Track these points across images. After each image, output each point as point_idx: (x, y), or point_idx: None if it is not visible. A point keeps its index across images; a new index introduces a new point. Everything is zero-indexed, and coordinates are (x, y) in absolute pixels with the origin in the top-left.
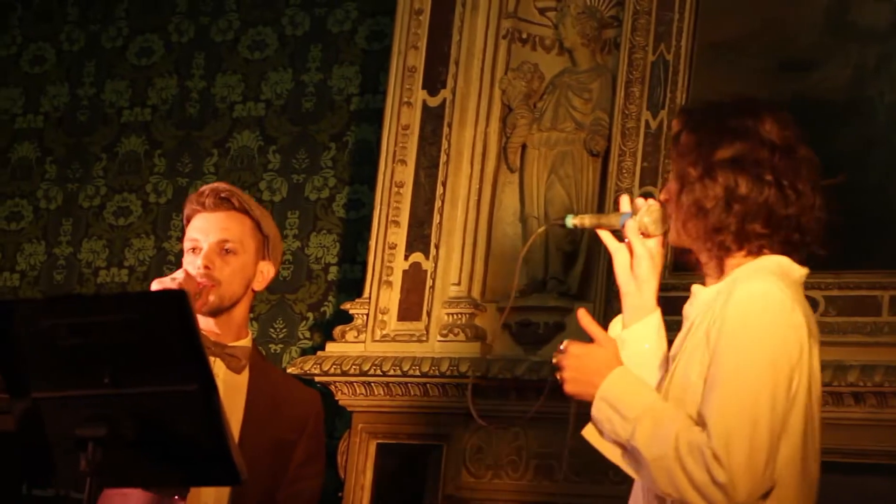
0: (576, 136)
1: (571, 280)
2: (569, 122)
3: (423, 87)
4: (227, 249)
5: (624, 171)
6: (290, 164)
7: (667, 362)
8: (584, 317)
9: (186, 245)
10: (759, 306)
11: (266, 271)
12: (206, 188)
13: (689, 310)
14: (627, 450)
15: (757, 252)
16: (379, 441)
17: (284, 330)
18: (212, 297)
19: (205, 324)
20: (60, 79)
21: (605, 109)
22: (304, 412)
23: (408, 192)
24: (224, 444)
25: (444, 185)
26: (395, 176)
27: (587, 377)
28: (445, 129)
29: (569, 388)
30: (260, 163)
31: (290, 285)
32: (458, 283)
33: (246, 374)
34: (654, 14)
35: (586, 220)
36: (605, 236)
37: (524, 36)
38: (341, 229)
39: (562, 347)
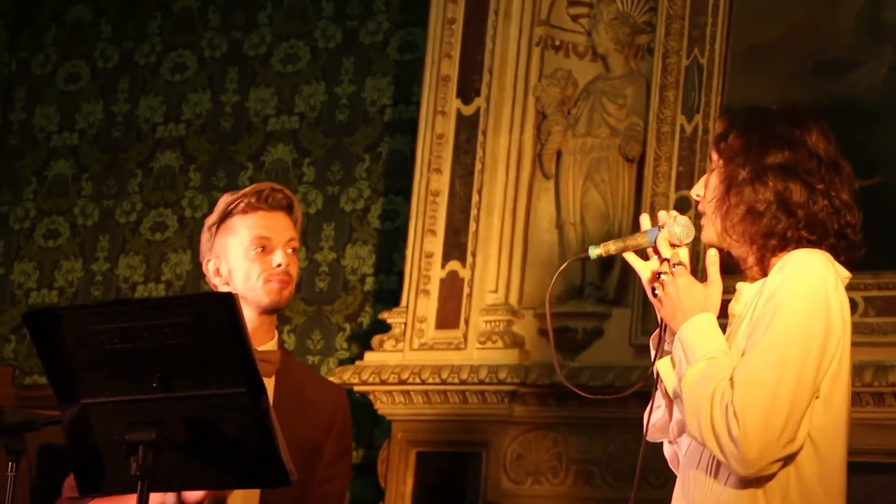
0: (611, 142)
1: (608, 286)
2: (603, 128)
3: (458, 96)
4: (293, 249)
5: (660, 175)
6: (324, 176)
7: None
8: (711, 255)
9: (250, 245)
10: (805, 277)
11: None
12: (263, 188)
13: (734, 307)
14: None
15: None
16: (419, 449)
17: (322, 341)
18: (286, 293)
19: None
20: (95, 96)
21: (639, 114)
22: (332, 410)
23: (443, 200)
24: (274, 446)
25: (479, 193)
26: (431, 185)
27: (678, 312)
28: (480, 138)
29: (663, 312)
30: (294, 175)
31: (326, 296)
32: (496, 291)
33: (273, 377)
34: (687, 18)
35: (611, 247)
36: (631, 258)
37: (557, 43)
38: (377, 240)
39: (672, 269)
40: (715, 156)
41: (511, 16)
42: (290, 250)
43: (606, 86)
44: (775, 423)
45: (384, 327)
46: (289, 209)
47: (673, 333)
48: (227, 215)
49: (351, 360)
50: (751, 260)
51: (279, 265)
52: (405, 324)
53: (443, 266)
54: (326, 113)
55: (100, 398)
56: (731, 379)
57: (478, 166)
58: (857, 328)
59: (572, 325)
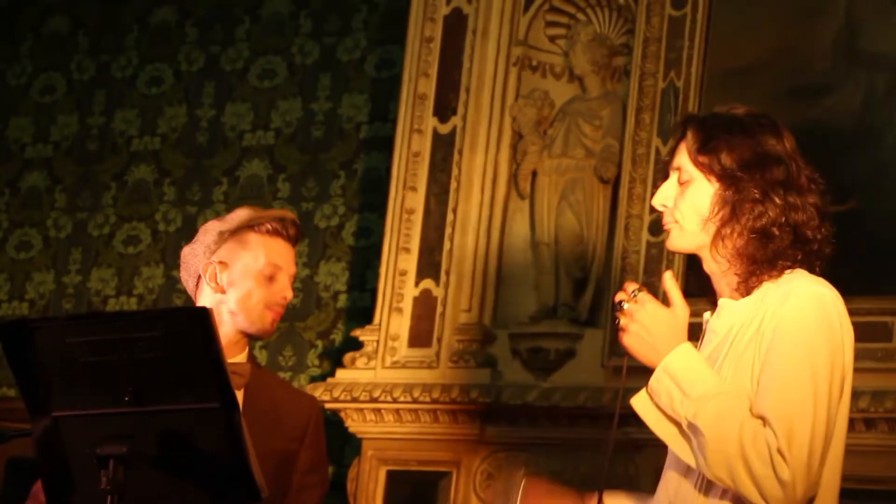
0: (586, 163)
1: (582, 306)
2: (579, 149)
3: (434, 114)
4: (293, 279)
5: (634, 197)
6: (299, 193)
7: None
8: (668, 279)
9: (263, 268)
10: (819, 306)
11: None
12: (286, 217)
13: (716, 323)
14: (683, 427)
15: (782, 270)
16: (389, 468)
17: (293, 357)
18: (275, 324)
19: None
20: (70, 108)
21: (615, 136)
22: (303, 419)
23: (418, 218)
24: (245, 461)
25: (454, 211)
26: (406, 202)
27: (654, 341)
28: (456, 156)
29: (628, 340)
30: (269, 191)
31: (299, 313)
32: (469, 310)
33: (242, 389)
34: (664, 41)
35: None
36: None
37: (534, 63)
38: (350, 257)
39: (632, 292)
40: (679, 162)
41: (489, 35)
42: (291, 279)
43: (583, 107)
44: (815, 462)
45: (356, 345)
46: (297, 243)
47: (649, 364)
48: (246, 228)
49: (322, 378)
50: (735, 280)
51: (283, 297)
52: (377, 341)
53: (416, 284)
54: (302, 129)
55: (71, 411)
56: (761, 417)
57: (453, 185)
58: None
59: (545, 345)
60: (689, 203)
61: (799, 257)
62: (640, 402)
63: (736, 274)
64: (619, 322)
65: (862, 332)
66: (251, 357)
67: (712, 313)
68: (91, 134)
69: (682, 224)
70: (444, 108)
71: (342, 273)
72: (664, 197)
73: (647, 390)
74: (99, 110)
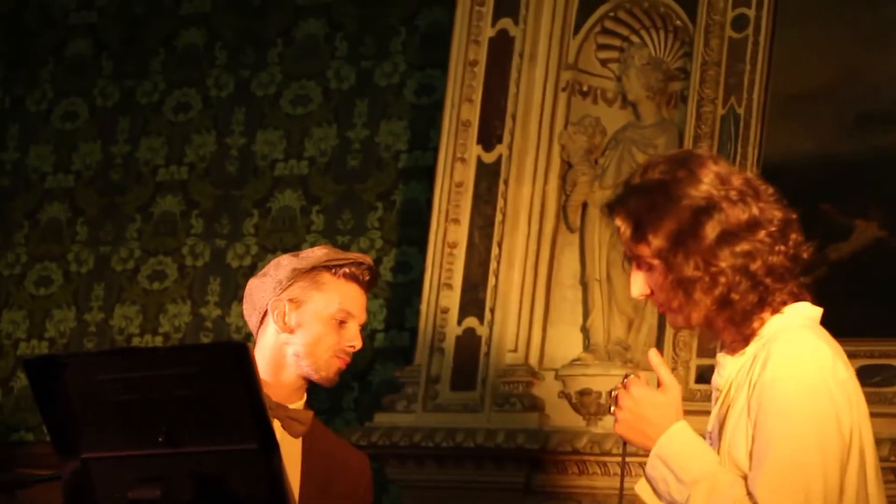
0: None
1: (636, 346)
2: None
3: (478, 142)
4: (362, 327)
5: None
6: (334, 225)
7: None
8: (654, 357)
9: (336, 313)
10: (798, 369)
11: None
12: (365, 261)
13: (717, 380)
14: None
15: (779, 307)
16: None
17: (328, 401)
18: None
19: (266, 386)
20: (93, 136)
21: None
22: (356, 479)
23: (461, 252)
24: None
25: (499, 245)
26: (448, 236)
27: (643, 426)
28: (501, 187)
29: (620, 428)
30: (302, 224)
31: None
32: (515, 350)
33: (300, 439)
34: (724, 65)
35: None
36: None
37: (585, 88)
38: (388, 293)
39: (623, 382)
40: (639, 253)
41: (537, 59)
42: (361, 327)
43: (637, 134)
44: None
45: (395, 387)
46: (370, 290)
47: (643, 449)
48: (322, 268)
49: (359, 422)
50: (729, 337)
51: (352, 345)
52: (418, 383)
53: (459, 322)
54: (338, 158)
55: (102, 452)
56: (750, 496)
57: (498, 217)
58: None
59: (596, 387)
60: (658, 289)
61: (777, 284)
62: (642, 489)
63: (723, 338)
64: (612, 412)
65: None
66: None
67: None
68: (115, 163)
69: (666, 305)
70: (489, 136)
71: (379, 311)
72: (638, 287)
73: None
74: (123, 138)
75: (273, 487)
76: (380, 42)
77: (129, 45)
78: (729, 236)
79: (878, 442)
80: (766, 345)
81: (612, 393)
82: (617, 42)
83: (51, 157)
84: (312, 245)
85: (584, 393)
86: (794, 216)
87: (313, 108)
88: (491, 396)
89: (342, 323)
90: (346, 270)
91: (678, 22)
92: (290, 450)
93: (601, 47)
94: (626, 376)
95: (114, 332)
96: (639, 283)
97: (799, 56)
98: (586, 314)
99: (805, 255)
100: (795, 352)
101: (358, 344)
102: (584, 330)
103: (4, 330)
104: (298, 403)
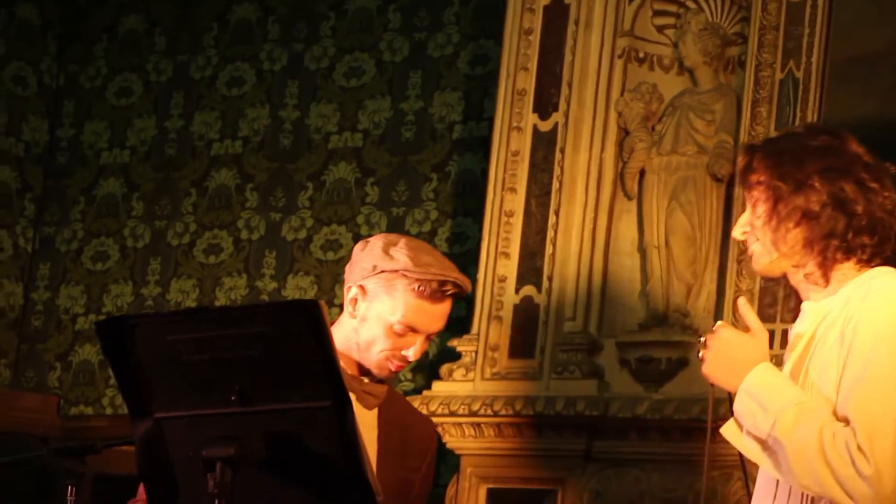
0: (698, 160)
1: (695, 313)
2: (690, 146)
3: (534, 111)
4: (433, 335)
5: None
6: (389, 197)
7: None
8: (743, 304)
9: (398, 323)
10: None
11: None
12: (448, 279)
13: (799, 326)
14: (768, 444)
15: (867, 263)
16: (490, 486)
17: None
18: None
19: (342, 357)
20: (147, 111)
21: (729, 131)
22: (425, 448)
23: (518, 221)
24: (359, 464)
25: (556, 213)
26: (505, 205)
27: (731, 365)
28: (558, 155)
29: (708, 368)
30: (357, 196)
31: None
32: (573, 318)
33: (375, 410)
34: (782, 29)
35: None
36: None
37: (641, 55)
38: None
39: (714, 328)
40: (747, 192)
41: (592, 26)
42: (429, 337)
43: (694, 100)
44: None
45: (453, 356)
46: (456, 298)
47: (730, 389)
48: (400, 275)
49: (417, 391)
50: (811, 266)
51: (406, 358)
52: (476, 352)
53: (517, 291)
54: (392, 130)
55: (175, 412)
56: (842, 419)
57: (555, 185)
58: None
59: (656, 354)
60: (758, 221)
61: (871, 241)
62: (729, 431)
63: (807, 275)
64: (701, 356)
65: None
66: None
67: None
68: (169, 138)
69: (756, 243)
70: (545, 105)
71: None
72: (740, 228)
73: (733, 417)
74: (177, 113)
75: (347, 444)
76: (433, 13)
77: (182, 21)
78: (834, 172)
79: None
80: (866, 282)
81: (702, 338)
82: (673, 8)
83: (106, 133)
84: (367, 217)
85: (643, 360)
86: None
87: (367, 81)
88: (550, 364)
89: (402, 334)
90: (422, 288)
91: None
92: (366, 421)
93: (657, 13)
94: (716, 323)
95: (170, 305)
96: (741, 224)
97: (858, 18)
98: (645, 281)
99: None
100: (895, 288)
101: (412, 358)
102: (643, 297)
103: (62, 305)
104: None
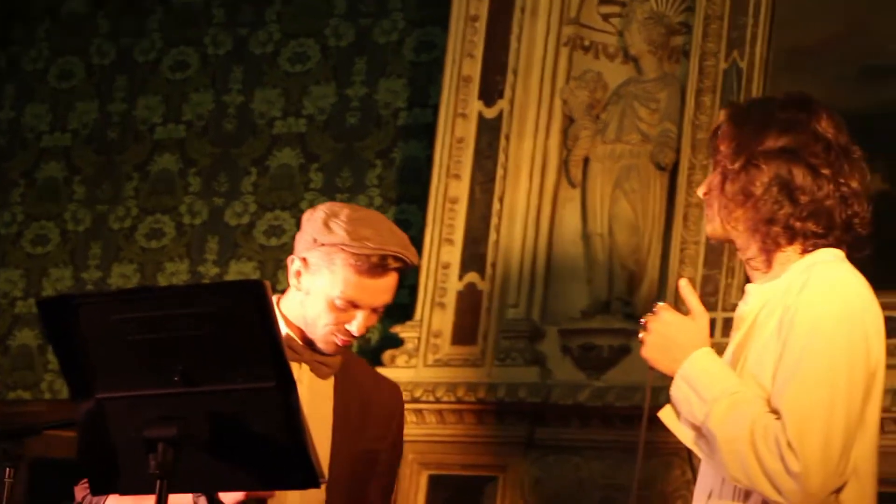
0: (642, 149)
1: (637, 301)
2: (635, 134)
3: (479, 98)
4: (380, 308)
5: (694, 185)
6: (333, 183)
7: None
8: (684, 286)
9: (339, 298)
10: (838, 295)
11: None
12: (388, 253)
13: (743, 309)
14: (702, 432)
15: (812, 248)
16: (431, 472)
17: None
18: (342, 348)
19: (293, 329)
20: (90, 94)
21: (673, 120)
22: (389, 416)
23: (462, 208)
24: (302, 445)
25: (500, 200)
26: (449, 191)
27: (671, 349)
28: (503, 142)
29: (647, 352)
30: (301, 181)
31: None
32: (517, 305)
33: (332, 378)
34: (726, 19)
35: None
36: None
37: (587, 43)
38: None
39: (655, 309)
40: (713, 153)
41: (538, 14)
42: (375, 311)
43: (638, 89)
44: (834, 453)
45: (396, 342)
46: (401, 271)
47: (669, 373)
48: (339, 250)
49: None
50: (753, 250)
51: (351, 333)
52: (419, 339)
53: (460, 278)
54: (336, 116)
55: (117, 392)
56: (775, 411)
57: (500, 172)
58: None
59: (598, 341)
60: (712, 187)
61: (816, 228)
62: (666, 415)
63: (749, 259)
64: (641, 338)
65: None
66: None
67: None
68: (112, 122)
69: (715, 206)
70: (491, 92)
71: None
72: (703, 185)
73: (670, 401)
74: (120, 97)
75: (290, 425)
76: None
77: (126, 4)
78: (789, 154)
79: (885, 392)
80: (806, 270)
81: (642, 320)
82: None
83: (47, 115)
84: (311, 203)
85: (586, 348)
86: (867, 198)
87: (311, 66)
88: (492, 351)
89: (345, 309)
90: (360, 264)
91: None
92: (321, 391)
93: (603, 2)
94: (657, 304)
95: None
96: (705, 183)
97: (802, 9)
98: (588, 269)
99: (858, 230)
100: (836, 277)
101: (356, 332)
102: (586, 285)
103: (1, 289)
104: None
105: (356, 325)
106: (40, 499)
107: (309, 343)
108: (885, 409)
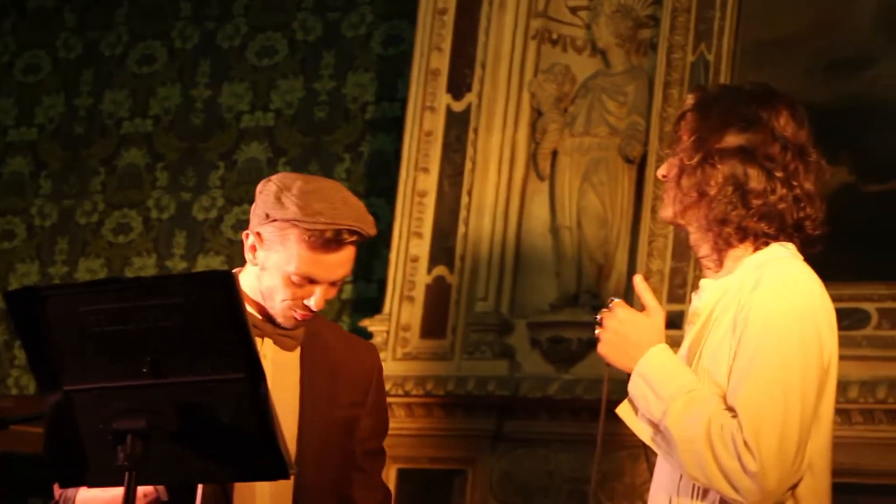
0: (610, 142)
1: (605, 293)
2: (603, 127)
3: (448, 91)
4: (339, 281)
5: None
6: None
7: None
8: (639, 282)
9: (294, 274)
10: (790, 292)
11: None
12: (343, 227)
13: (696, 304)
14: (659, 430)
15: (763, 246)
16: (399, 466)
17: None
18: (303, 322)
19: (251, 304)
20: (56, 88)
21: (641, 113)
22: (365, 379)
23: (431, 201)
24: (272, 436)
25: (469, 194)
26: (417, 185)
27: (626, 346)
28: (471, 135)
29: (604, 349)
30: (269, 175)
31: None
32: (485, 299)
33: (298, 350)
34: (694, 12)
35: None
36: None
37: (555, 36)
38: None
39: (610, 305)
40: (677, 129)
41: (506, 7)
42: (334, 284)
43: (606, 82)
44: (790, 451)
45: (364, 335)
46: (358, 243)
47: (625, 370)
48: (291, 225)
49: None
50: (705, 248)
51: (309, 307)
52: (388, 332)
53: (429, 271)
54: (304, 110)
55: (85, 385)
56: (731, 409)
57: (468, 166)
58: (869, 342)
59: (566, 334)
60: (669, 168)
61: (768, 230)
62: (623, 410)
63: (702, 257)
64: (597, 335)
65: None
66: None
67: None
68: (78, 116)
69: (671, 194)
70: (459, 85)
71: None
72: (663, 166)
73: (628, 397)
74: (87, 91)
75: (259, 415)
76: None
77: None
78: (745, 154)
79: (848, 384)
80: (758, 268)
81: (598, 316)
82: None
83: (13, 110)
84: None
85: (554, 341)
86: (821, 198)
87: (279, 60)
88: (461, 344)
89: (300, 285)
90: (313, 239)
91: None
92: (287, 362)
93: None
94: (612, 300)
95: None
96: (665, 165)
97: (769, 2)
98: (556, 262)
99: (809, 231)
100: (788, 275)
101: (315, 307)
102: (555, 278)
103: None
104: None
105: (314, 300)
106: (8, 493)
107: (269, 318)
108: (852, 400)
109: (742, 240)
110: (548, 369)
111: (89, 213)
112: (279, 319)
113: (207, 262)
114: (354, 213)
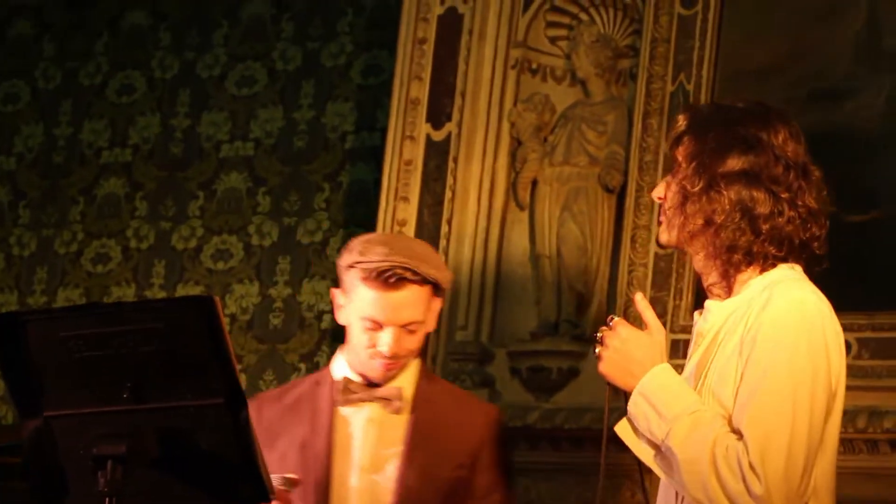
0: (590, 171)
1: (586, 323)
2: (582, 157)
3: (427, 121)
4: (410, 327)
5: (641, 207)
6: (280, 207)
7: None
8: (640, 300)
9: (362, 319)
10: (799, 313)
11: (437, 308)
12: (386, 266)
13: (702, 326)
14: (661, 450)
15: (771, 267)
16: None
17: (274, 382)
18: (391, 373)
19: (353, 370)
20: (35, 118)
21: (620, 143)
22: (475, 441)
23: (410, 230)
24: (252, 461)
25: (449, 223)
26: (397, 214)
27: (628, 365)
28: (451, 165)
29: (604, 367)
30: (249, 205)
31: (280, 335)
32: (465, 327)
33: (406, 413)
34: (673, 42)
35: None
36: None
37: (534, 66)
38: (335, 274)
39: (610, 323)
40: (674, 153)
41: (486, 37)
42: (404, 327)
43: (586, 112)
44: (795, 474)
45: None
46: (418, 283)
47: (627, 389)
48: (354, 266)
49: None
50: (714, 276)
51: (383, 354)
52: None
53: None
54: (284, 139)
55: (66, 410)
56: (736, 430)
57: (448, 195)
58: (850, 371)
59: (546, 363)
60: (670, 194)
61: (777, 252)
62: (623, 429)
63: (710, 286)
64: (597, 353)
65: (886, 349)
66: (423, 374)
67: (700, 315)
68: (57, 145)
69: (666, 218)
70: (438, 114)
71: (327, 292)
72: (658, 188)
73: (627, 416)
74: (66, 120)
75: (240, 441)
76: (326, 23)
77: (72, 26)
78: (749, 178)
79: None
80: (766, 289)
81: (598, 334)
82: (566, 20)
83: None
84: (259, 227)
85: (534, 369)
86: (825, 216)
87: (259, 90)
88: (441, 373)
89: (372, 327)
90: (366, 277)
91: None
92: (394, 425)
93: (550, 25)
94: (612, 318)
95: None
96: (660, 187)
97: (749, 32)
98: (536, 291)
99: (815, 250)
100: (798, 297)
101: (387, 352)
102: (535, 306)
103: None
104: (400, 380)
105: (385, 344)
106: None
107: (370, 382)
108: (860, 430)
109: (750, 264)
110: (528, 398)
111: (68, 242)
112: (369, 374)
113: (187, 292)
114: (412, 254)
